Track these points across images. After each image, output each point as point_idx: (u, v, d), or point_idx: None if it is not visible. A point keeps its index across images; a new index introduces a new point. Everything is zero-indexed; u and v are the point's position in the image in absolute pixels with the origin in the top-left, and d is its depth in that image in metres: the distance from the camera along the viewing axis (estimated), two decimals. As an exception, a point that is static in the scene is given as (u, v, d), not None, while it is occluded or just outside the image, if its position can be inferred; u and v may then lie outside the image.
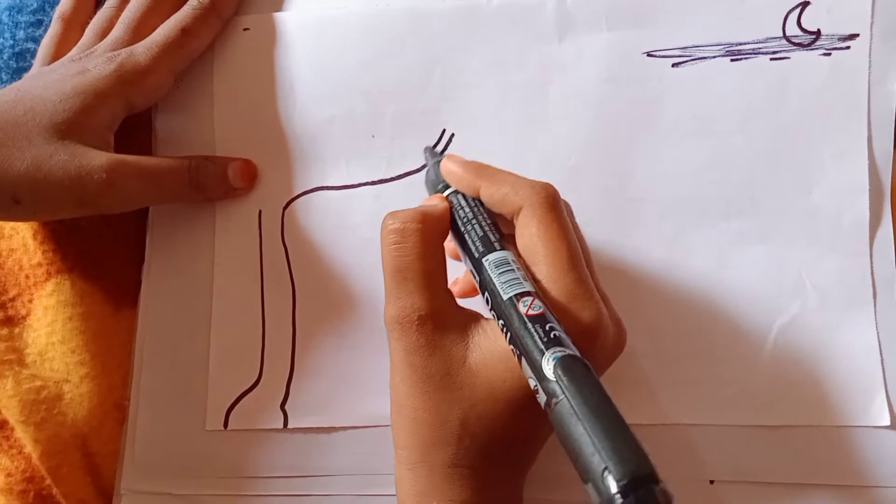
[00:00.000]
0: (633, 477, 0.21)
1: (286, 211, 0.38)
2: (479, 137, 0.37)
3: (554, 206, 0.29)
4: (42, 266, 0.38)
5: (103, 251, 0.39)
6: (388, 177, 0.38)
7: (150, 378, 0.38)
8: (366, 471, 0.36)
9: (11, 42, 0.41)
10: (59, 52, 0.38)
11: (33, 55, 0.40)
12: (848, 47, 0.35)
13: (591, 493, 0.22)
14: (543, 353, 0.25)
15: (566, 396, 0.23)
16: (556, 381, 0.24)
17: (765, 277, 0.35)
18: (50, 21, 0.40)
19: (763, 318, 0.35)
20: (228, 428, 0.37)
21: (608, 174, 0.36)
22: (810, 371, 0.34)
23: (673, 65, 0.36)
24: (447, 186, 0.32)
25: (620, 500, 0.21)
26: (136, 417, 0.37)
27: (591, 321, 0.27)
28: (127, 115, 0.36)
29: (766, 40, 0.36)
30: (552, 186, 0.30)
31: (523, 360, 0.26)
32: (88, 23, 0.39)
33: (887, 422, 0.33)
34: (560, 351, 0.25)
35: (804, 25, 0.36)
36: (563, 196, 0.30)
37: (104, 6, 0.39)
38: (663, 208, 0.36)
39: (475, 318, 0.29)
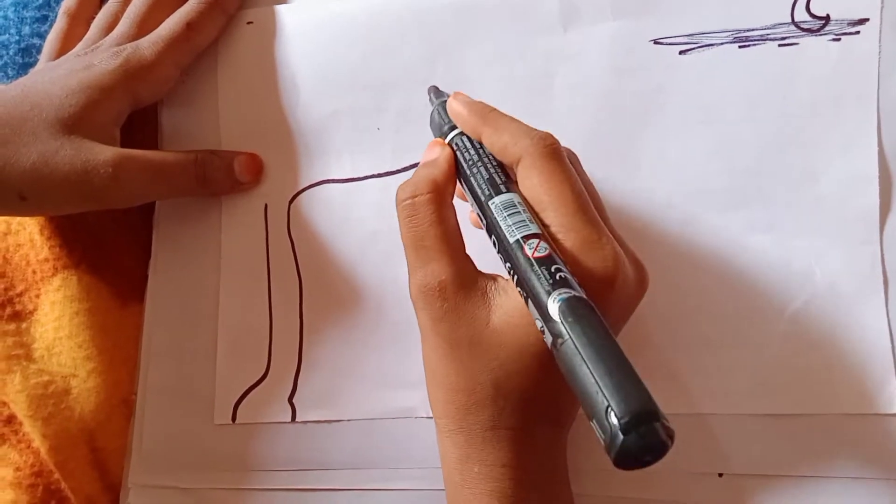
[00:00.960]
0: (635, 414, 0.21)
1: (292, 204, 0.38)
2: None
3: (553, 156, 0.28)
4: (49, 261, 0.38)
5: (110, 246, 0.39)
6: (394, 169, 0.38)
7: (158, 372, 0.38)
8: (374, 464, 0.36)
9: (17, 38, 0.41)
10: (64, 48, 0.38)
11: (39, 51, 0.40)
12: (857, 32, 0.35)
13: (596, 430, 0.22)
14: (549, 294, 0.25)
15: (570, 337, 0.23)
16: (561, 321, 0.24)
17: (773, 266, 0.35)
18: (55, 17, 0.40)
19: (772, 307, 0.34)
20: (236, 422, 0.37)
21: (615, 164, 0.36)
22: (821, 359, 0.34)
23: (680, 52, 0.36)
24: (453, 127, 0.32)
25: (622, 437, 0.21)
26: (143, 412, 0.37)
27: (607, 263, 0.27)
28: (133, 109, 0.37)
29: (775, 26, 0.35)
30: (552, 136, 0.29)
31: (530, 302, 0.26)
32: (94, 18, 0.39)
33: (899, 409, 0.33)
34: (566, 292, 0.25)
35: (813, 11, 0.35)
36: None
37: (109, 1, 0.39)
38: (670, 198, 0.36)
39: (494, 279, 0.29)
